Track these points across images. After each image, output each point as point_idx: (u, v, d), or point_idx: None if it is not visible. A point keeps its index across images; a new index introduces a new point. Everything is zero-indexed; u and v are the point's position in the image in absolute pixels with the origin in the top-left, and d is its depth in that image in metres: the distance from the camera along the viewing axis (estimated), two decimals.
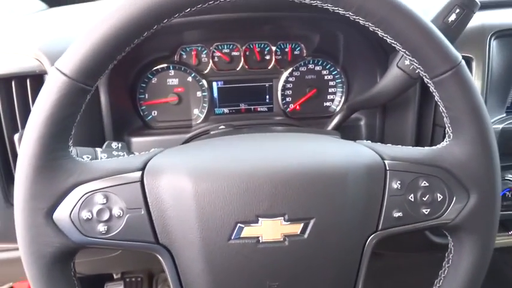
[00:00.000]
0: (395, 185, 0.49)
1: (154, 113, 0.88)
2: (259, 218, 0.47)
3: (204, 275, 0.48)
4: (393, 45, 0.47)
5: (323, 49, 0.89)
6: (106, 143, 0.64)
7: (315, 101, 0.91)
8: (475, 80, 0.77)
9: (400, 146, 0.53)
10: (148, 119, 0.88)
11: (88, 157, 0.59)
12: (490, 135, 0.49)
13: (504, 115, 0.80)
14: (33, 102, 0.51)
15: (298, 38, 0.88)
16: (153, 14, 0.43)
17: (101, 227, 0.47)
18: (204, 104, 0.88)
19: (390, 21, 0.45)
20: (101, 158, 0.61)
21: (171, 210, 0.47)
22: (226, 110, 0.90)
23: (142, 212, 0.47)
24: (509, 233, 0.86)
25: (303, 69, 0.90)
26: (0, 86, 0.70)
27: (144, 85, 0.86)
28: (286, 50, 0.89)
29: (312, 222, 0.47)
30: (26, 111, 0.71)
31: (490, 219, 0.51)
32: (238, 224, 0.47)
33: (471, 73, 0.76)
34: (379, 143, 0.54)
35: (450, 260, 0.53)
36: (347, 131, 0.86)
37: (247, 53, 0.87)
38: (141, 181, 0.48)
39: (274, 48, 0.88)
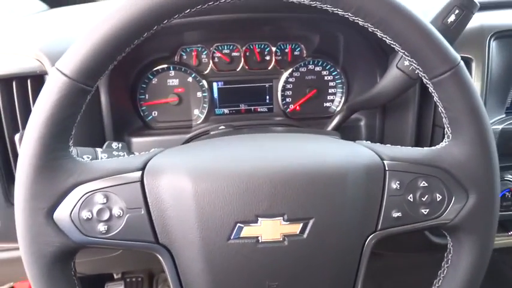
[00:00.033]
0: (395, 185, 0.50)
1: (154, 114, 0.88)
2: (258, 218, 0.47)
3: (203, 275, 0.48)
4: (392, 46, 0.47)
5: (323, 50, 0.89)
6: (106, 143, 0.64)
7: (315, 102, 0.91)
8: (475, 81, 0.77)
9: (399, 146, 0.54)
10: (149, 120, 0.88)
11: (88, 157, 0.59)
12: (489, 135, 0.49)
13: (504, 116, 0.80)
14: (34, 102, 0.51)
15: (298, 38, 0.88)
16: (153, 14, 0.43)
17: (101, 227, 0.47)
18: (204, 105, 0.88)
19: (389, 22, 0.45)
20: (101, 158, 0.61)
21: (171, 210, 0.47)
22: (226, 111, 0.90)
23: (142, 212, 0.47)
24: (509, 233, 0.86)
25: (303, 69, 0.90)
26: (1, 87, 0.70)
27: (144, 85, 0.86)
28: (286, 50, 0.89)
29: (311, 222, 0.47)
30: (26, 112, 0.72)
31: (489, 219, 0.51)
32: (238, 224, 0.47)
33: (471, 74, 0.77)
34: (378, 144, 0.54)
35: (449, 260, 0.53)
36: (347, 131, 0.86)
37: (247, 53, 0.88)
38: (141, 181, 0.48)
39: (274, 49, 0.88)
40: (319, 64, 0.90)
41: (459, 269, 0.52)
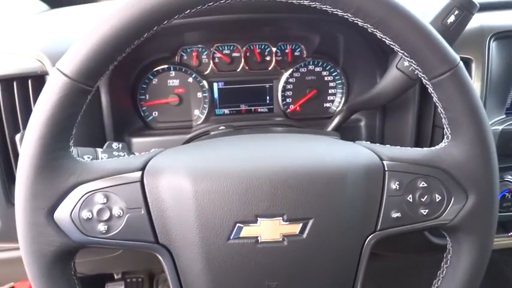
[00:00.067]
0: (394, 185, 0.50)
1: (155, 114, 0.88)
2: (258, 218, 0.47)
3: (203, 275, 0.48)
4: (392, 46, 0.47)
5: (323, 50, 0.89)
6: (107, 144, 0.64)
7: (315, 102, 0.92)
8: (475, 82, 0.77)
9: (398, 146, 0.54)
10: (149, 120, 0.88)
11: (89, 157, 0.59)
12: (488, 136, 0.49)
13: (504, 116, 0.80)
14: (35, 102, 0.51)
15: (298, 39, 0.89)
16: (153, 15, 0.43)
17: (101, 227, 0.47)
18: (204, 105, 0.89)
19: (389, 22, 0.45)
20: (102, 158, 0.61)
21: (171, 210, 0.48)
22: (226, 111, 0.91)
23: (142, 212, 0.48)
24: (509, 234, 0.86)
25: (303, 70, 0.90)
26: (2, 87, 0.70)
27: (144, 86, 0.86)
28: (287, 51, 0.89)
29: (310, 222, 0.47)
30: (27, 112, 0.72)
31: (488, 220, 0.51)
32: (238, 224, 0.47)
33: (471, 74, 0.77)
34: (378, 144, 0.54)
35: (448, 261, 0.53)
36: (347, 131, 0.86)
37: (247, 54, 0.88)
38: (141, 181, 0.48)
39: (274, 49, 0.88)
40: (319, 65, 0.90)
41: (458, 270, 0.52)
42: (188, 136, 0.86)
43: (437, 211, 0.50)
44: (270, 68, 0.89)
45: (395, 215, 0.50)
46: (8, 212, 0.73)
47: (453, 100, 0.48)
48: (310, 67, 0.90)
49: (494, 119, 0.79)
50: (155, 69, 0.85)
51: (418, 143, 0.83)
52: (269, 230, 0.47)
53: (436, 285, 0.54)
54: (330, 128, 0.85)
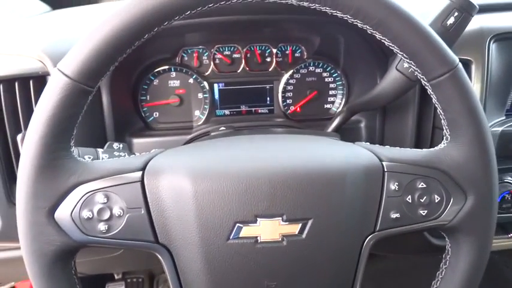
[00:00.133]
0: (393, 186, 0.50)
1: (155, 114, 0.88)
2: (257, 218, 0.47)
3: (203, 275, 0.48)
4: (391, 47, 0.48)
5: (323, 51, 0.89)
6: (107, 144, 0.65)
7: (316, 103, 0.92)
8: (475, 83, 0.77)
9: (398, 147, 0.54)
10: (150, 120, 0.88)
11: (89, 157, 0.59)
12: (487, 137, 0.49)
13: (503, 118, 0.80)
14: (36, 103, 0.51)
15: (298, 40, 0.89)
16: (154, 16, 0.43)
17: (102, 226, 0.47)
18: (205, 106, 0.89)
19: (388, 24, 0.45)
20: (102, 158, 0.61)
21: (171, 210, 0.48)
22: (227, 112, 0.91)
23: (143, 212, 0.48)
24: (509, 235, 0.86)
25: (303, 71, 0.90)
26: (4, 87, 0.71)
27: (145, 86, 0.86)
28: (287, 52, 0.89)
29: (310, 222, 0.48)
30: (29, 112, 0.72)
31: (487, 220, 0.51)
32: (237, 224, 0.47)
33: (470, 76, 0.77)
34: (377, 145, 0.55)
35: (447, 261, 0.54)
36: (347, 133, 0.86)
37: (248, 55, 0.88)
38: (142, 181, 0.48)
39: (275, 51, 0.88)
40: (320, 66, 0.90)
41: (457, 270, 0.52)
42: (189, 137, 0.86)
43: (436, 212, 0.50)
44: (270, 69, 0.89)
45: (394, 215, 0.50)
46: (9, 212, 0.73)
47: (452, 101, 0.48)
48: (311, 68, 0.90)
49: (494, 121, 0.79)
50: (156, 70, 0.86)
51: (418, 145, 0.83)
52: (268, 230, 0.47)
53: (435, 286, 0.54)
54: (330, 129, 0.86)
